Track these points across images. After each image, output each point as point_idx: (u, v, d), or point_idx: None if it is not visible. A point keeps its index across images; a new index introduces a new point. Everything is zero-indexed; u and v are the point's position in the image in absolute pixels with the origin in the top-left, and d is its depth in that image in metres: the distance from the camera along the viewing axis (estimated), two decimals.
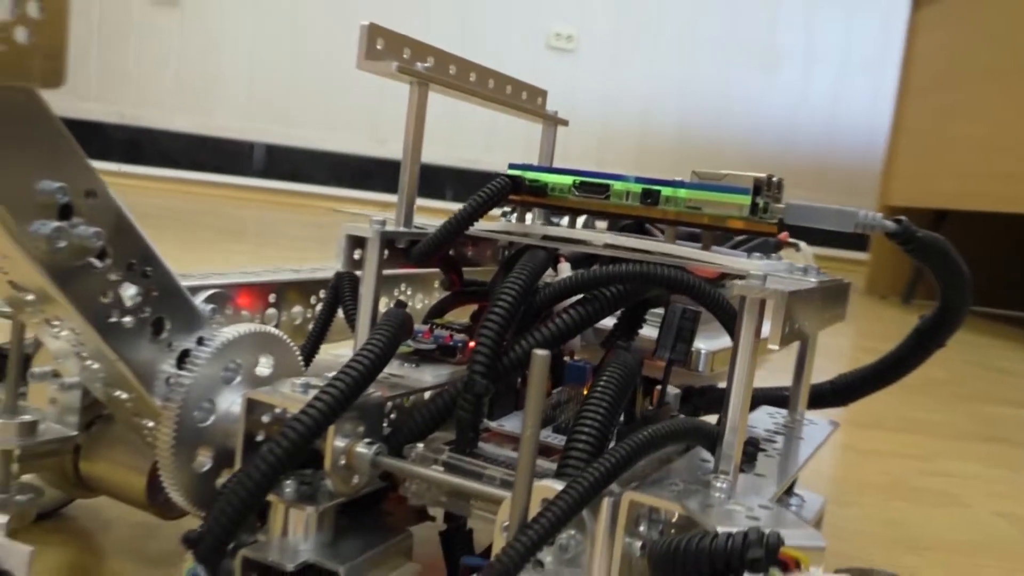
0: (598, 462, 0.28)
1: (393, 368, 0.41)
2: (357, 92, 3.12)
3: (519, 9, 3.41)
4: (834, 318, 0.41)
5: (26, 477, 0.43)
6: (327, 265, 0.52)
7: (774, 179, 0.40)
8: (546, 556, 0.29)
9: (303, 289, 0.49)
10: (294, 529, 0.35)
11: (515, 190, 0.40)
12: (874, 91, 3.44)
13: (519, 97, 0.50)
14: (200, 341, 0.36)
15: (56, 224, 0.29)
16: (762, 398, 0.48)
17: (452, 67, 0.43)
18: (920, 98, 2.52)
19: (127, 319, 0.33)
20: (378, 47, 0.38)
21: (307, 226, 2.52)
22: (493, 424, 0.40)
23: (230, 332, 0.36)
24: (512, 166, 0.42)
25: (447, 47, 0.42)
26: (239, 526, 0.32)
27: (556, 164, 0.47)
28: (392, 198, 0.53)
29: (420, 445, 0.36)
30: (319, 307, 0.49)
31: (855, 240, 3.12)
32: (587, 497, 0.27)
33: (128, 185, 3.16)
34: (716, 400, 0.48)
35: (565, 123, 0.53)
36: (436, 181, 3.20)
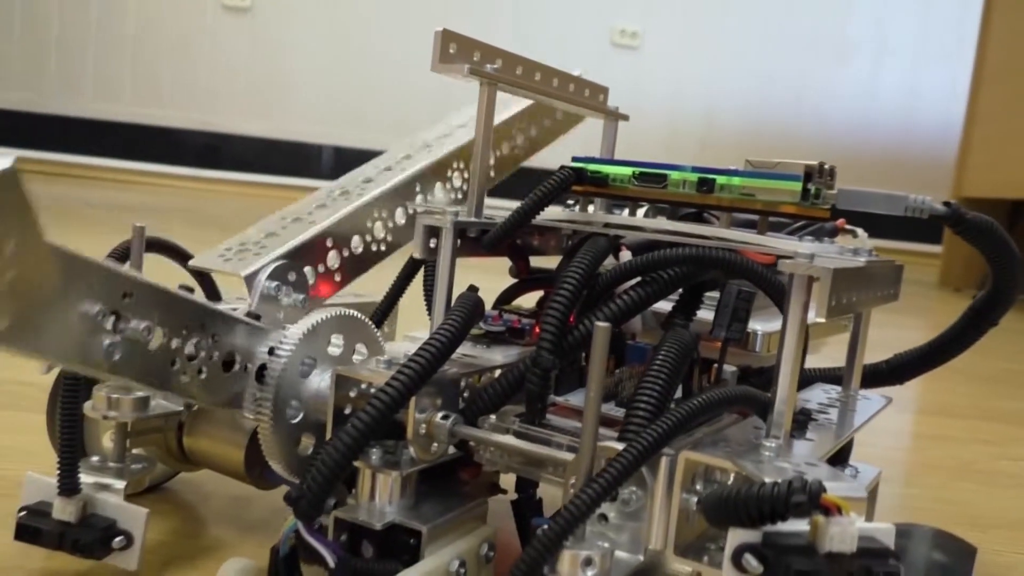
0: (656, 424, 0.30)
1: (466, 349, 0.44)
2: (420, 94, 3.18)
3: (583, 7, 3.43)
4: (886, 297, 0.42)
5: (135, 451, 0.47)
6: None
7: (826, 166, 0.42)
8: (610, 511, 0.32)
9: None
10: (380, 493, 0.38)
11: (578, 181, 0.43)
12: (950, 82, 3.37)
13: (581, 94, 0.53)
14: (271, 352, 0.40)
15: (108, 341, 0.32)
16: (819, 376, 0.50)
17: (519, 68, 0.46)
18: (995, 86, 2.46)
19: (205, 373, 0.37)
20: (451, 51, 0.41)
21: None
22: (559, 399, 0.42)
23: (289, 337, 0.40)
24: (575, 159, 0.45)
25: (511, 45, 0.45)
26: (333, 486, 0.35)
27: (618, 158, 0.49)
28: None
29: (493, 416, 0.39)
30: None
31: (928, 233, 3.05)
32: (646, 455, 0.30)
33: (203, 189, 3.28)
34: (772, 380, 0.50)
35: (626, 118, 0.56)
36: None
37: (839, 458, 0.44)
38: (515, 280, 0.51)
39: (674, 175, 0.42)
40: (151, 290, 0.34)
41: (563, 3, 3.42)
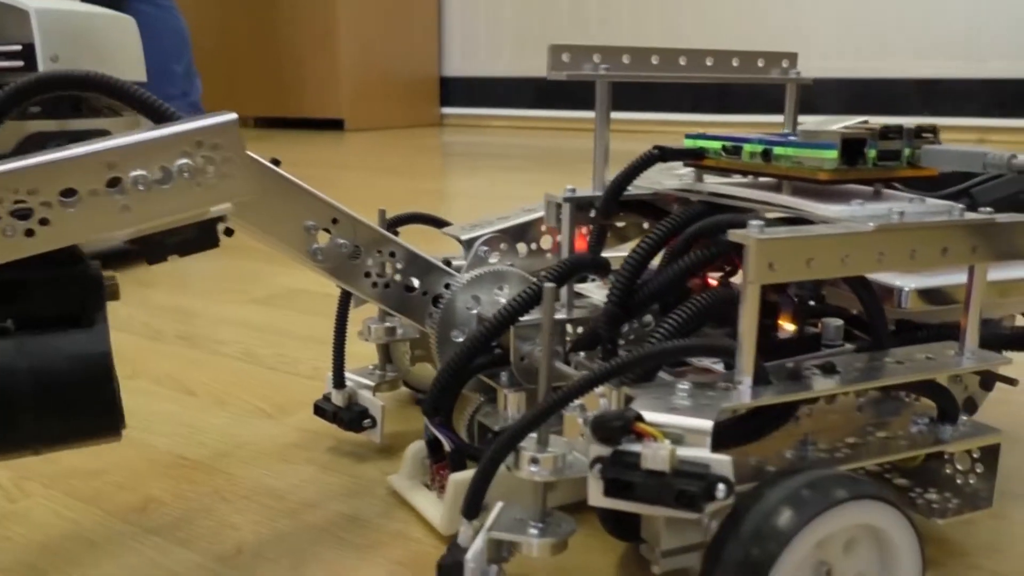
0: (609, 363, 0.39)
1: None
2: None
3: None
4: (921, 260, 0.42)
5: None
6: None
7: (905, 127, 0.44)
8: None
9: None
10: (508, 406, 0.52)
11: (661, 158, 0.50)
12: None
13: (753, 66, 0.57)
14: (447, 286, 0.54)
15: (316, 245, 0.49)
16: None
17: (654, 58, 0.54)
18: None
19: (388, 286, 0.53)
20: (563, 59, 0.51)
21: None
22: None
23: (461, 278, 0.54)
24: (688, 136, 0.51)
25: None
26: (448, 392, 0.50)
27: None
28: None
29: (582, 353, 0.50)
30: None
31: None
32: (587, 386, 0.38)
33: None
34: (933, 335, 0.50)
35: (809, 82, 0.58)
36: (901, 95, 3.01)
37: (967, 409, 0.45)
38: None
39: (746, 147, 0.47)
40: (353, 221, 0.50)
41: None
